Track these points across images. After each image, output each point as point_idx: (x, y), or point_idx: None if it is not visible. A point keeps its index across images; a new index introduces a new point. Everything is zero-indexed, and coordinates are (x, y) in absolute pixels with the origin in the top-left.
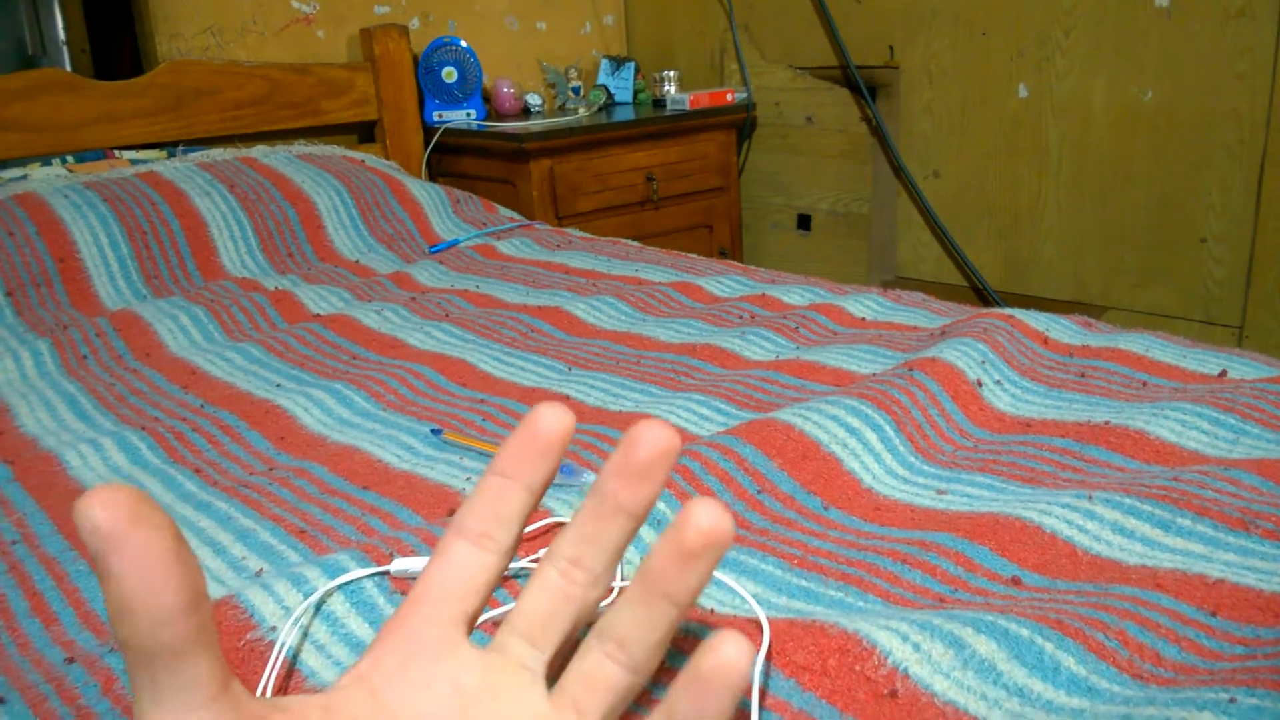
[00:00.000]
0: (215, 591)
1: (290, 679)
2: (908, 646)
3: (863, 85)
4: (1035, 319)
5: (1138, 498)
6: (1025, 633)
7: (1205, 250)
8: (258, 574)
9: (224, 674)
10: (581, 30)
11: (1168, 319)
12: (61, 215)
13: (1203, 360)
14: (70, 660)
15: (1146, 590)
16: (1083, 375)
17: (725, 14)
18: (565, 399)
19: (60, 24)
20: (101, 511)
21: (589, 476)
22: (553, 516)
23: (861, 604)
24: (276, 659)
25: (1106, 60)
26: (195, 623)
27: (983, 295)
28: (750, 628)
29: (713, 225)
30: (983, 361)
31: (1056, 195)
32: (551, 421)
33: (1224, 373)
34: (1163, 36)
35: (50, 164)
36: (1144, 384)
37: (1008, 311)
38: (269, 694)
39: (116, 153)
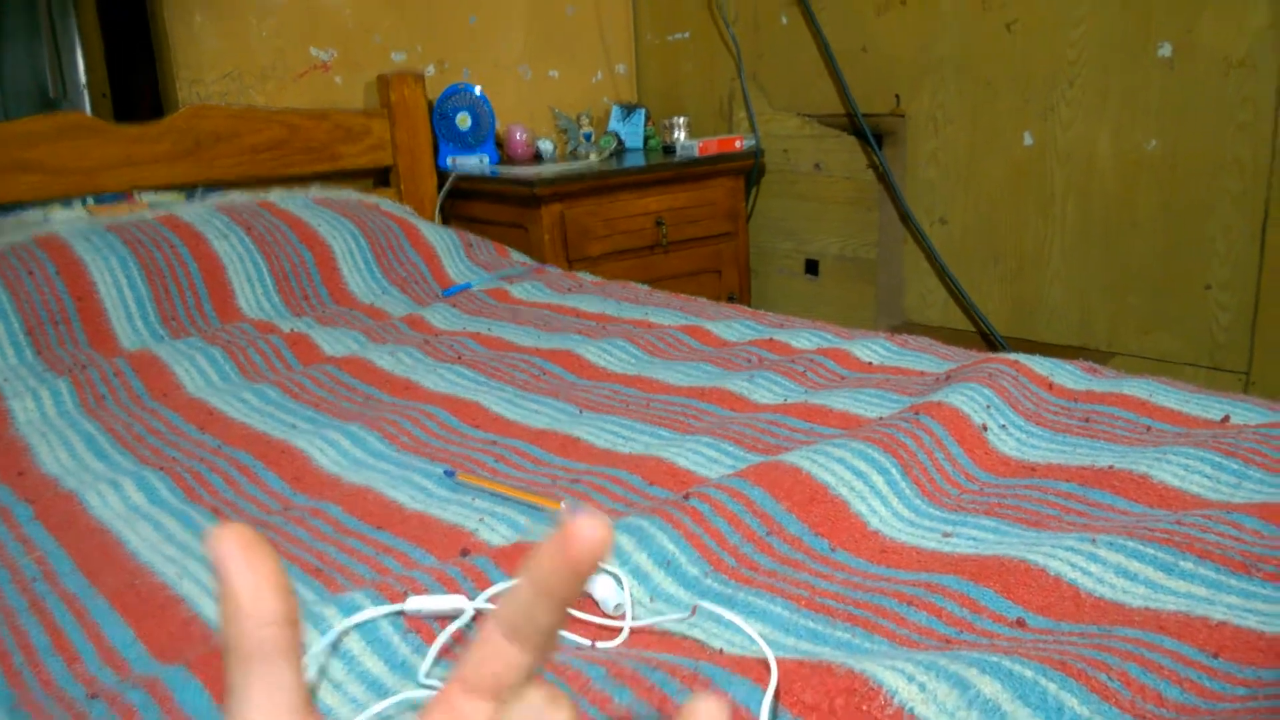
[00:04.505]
0: None
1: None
2: (913, 687)
3: (869, 133)
4: (1040, 364)
5: (1141, 541)
6: (1029, 674)
7: (1210, 297)
8: None
9: (306, 694)
10: (593, 78)
11: (1174, 365)
12: (81, 256)
13: (1206, 405)
14: (93, 696)
15: (1149, 632)
16: (1087, 420)
17: (734, 63)
18: (575, 441)
19: (82, 67)
20: (228, 535)
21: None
22: None
23: (868, 645)
24: None
25: (1111, 109)
26: (289, 634)
27: (990, 340)
28: (759, 667)
29: (721, 270)
30: (988, 406)
31: (1062, 242)
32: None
33: (1227, 418)
34: (1165, 86)
35: (71, 205)
36: (1148, 429)
37: (1013, 357)
38: None
39: (136, 195)
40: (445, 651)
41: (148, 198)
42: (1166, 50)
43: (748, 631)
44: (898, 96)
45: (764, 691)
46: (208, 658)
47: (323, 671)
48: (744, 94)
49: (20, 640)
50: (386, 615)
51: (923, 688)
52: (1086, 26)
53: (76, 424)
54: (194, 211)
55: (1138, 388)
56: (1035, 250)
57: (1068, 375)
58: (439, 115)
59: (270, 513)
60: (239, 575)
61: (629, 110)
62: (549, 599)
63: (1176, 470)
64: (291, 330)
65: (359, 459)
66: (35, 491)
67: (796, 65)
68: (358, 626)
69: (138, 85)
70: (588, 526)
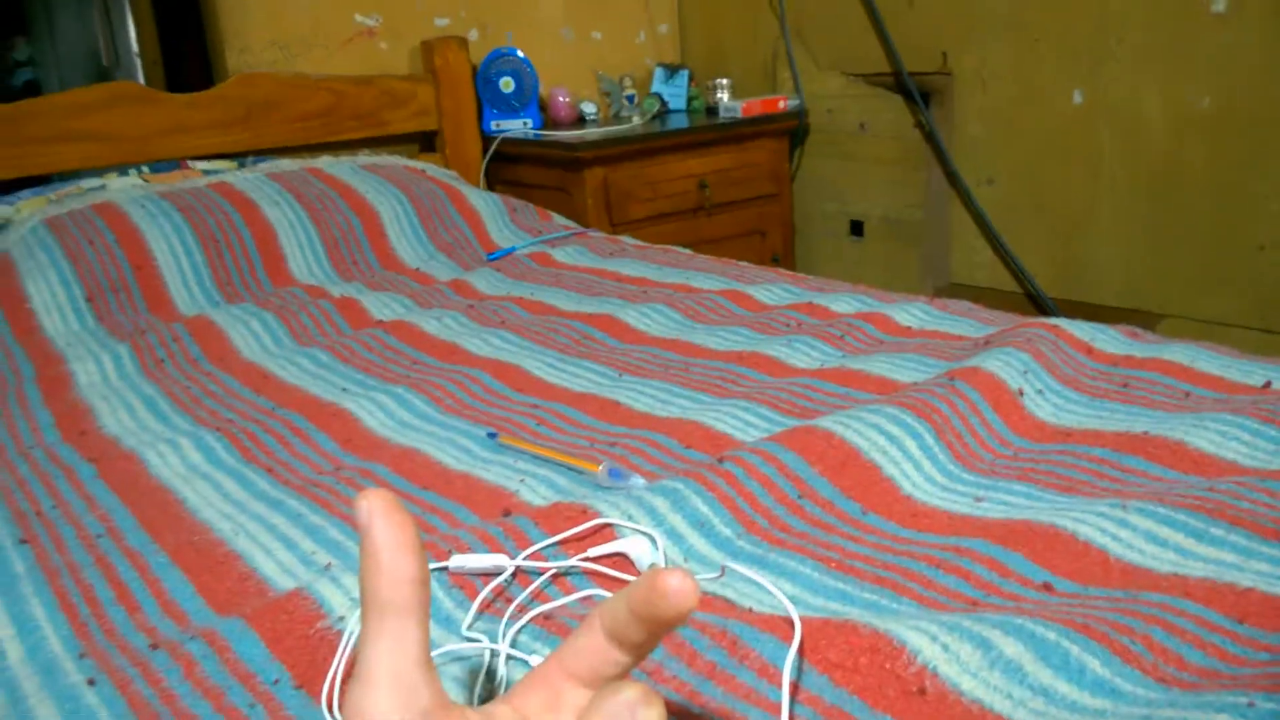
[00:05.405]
0: (286, 584)
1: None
2: (937, 646)
3: (916, 91)
4: (1080, 329)
5: (1172, 507)
6: (1052, 635)
7: (1263, 257)
8: (326, 567)
9: (428, 647)
10: (636, 39)
11: (1225, 327)
12: (139, 224)
13: (1249, 371)
14: (154, 646)
15: (1175, 597)
16: (1126, 385)
17: (778, 22)
18: (615, 404)
19: (133, 37)
20: (374, 499)
21: (637, 480)
22: (601, 518)
23: (895, 607)
24: (345, 646)
25: (1160, 66)
26: (420, 593)
27: (1037, 302)
28: (785, 626)
29: (765, 232)
30: (1025, 371)
31: (1112, 201)
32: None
33: (1268, 384)
34: (1218, 41)
35: (127, 174)
36: (1187, 395)
37: (1053, 321)
38: (339, 678)
39: (189, 163)
40: (486, 606)
41: (201, 166)
42: (1220, 5)
43: (773, 591)
44: (944, 54)
45: (789, 649)
46: (263, 611)
47: None
48: (788, 53)
49: (86, 593)
50: (432, 572)
51: (946, 648)
52: None
53: (137, 387)
54: (246, 179)
55: (1179, 353)
56: (1084, 210)
57: (1108, 340)
58: (483, 80)
59: (322, 473)
60: (380, 536)
61: (672, 71)
62: (641, 627)
63: (1213, 437)
64: (341, 295)
65: (406, 421)
66: (98, 451)
67: (841, 23)
68: None
69: (188, 53)
70: (678, 590)
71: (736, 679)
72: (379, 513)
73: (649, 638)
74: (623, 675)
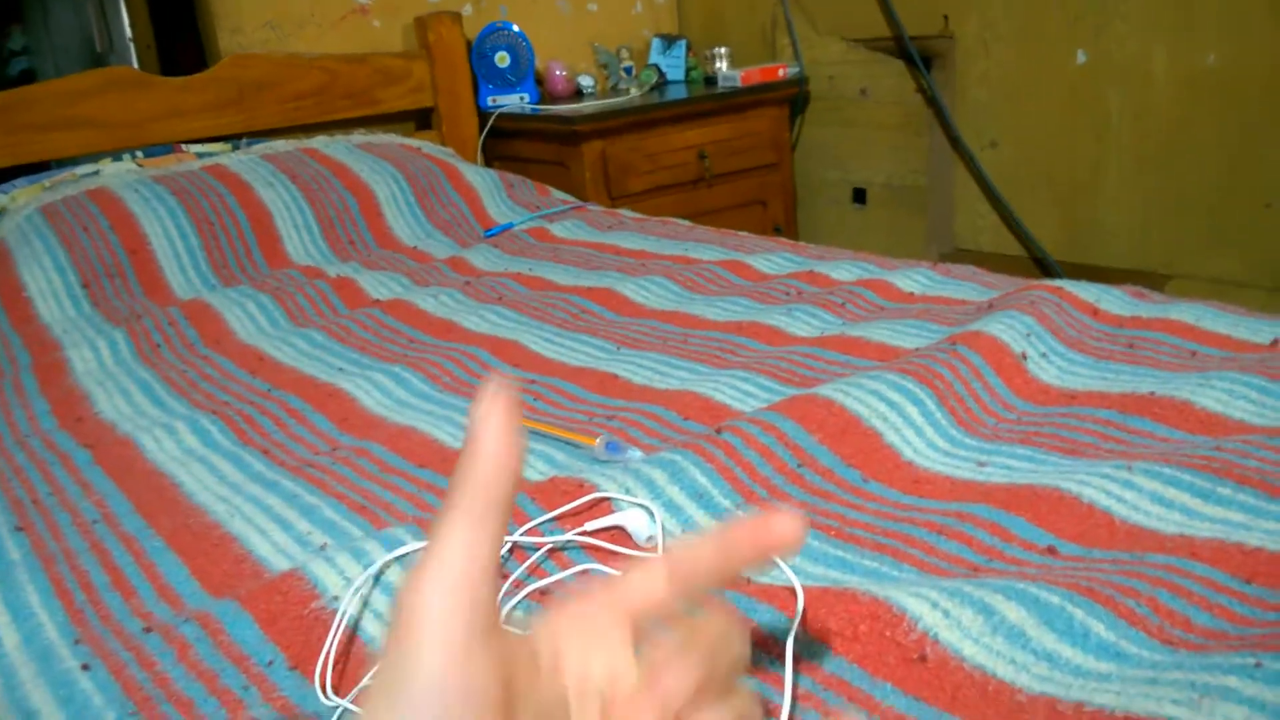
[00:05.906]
0: (282, 565)
1: (352, 644)
2: (937, 613)
3: (917, 56)
4: (1085, 290)
5: (1178, 467)
6: (1055, 600)
7: (1271, 215)
8: (322, 548)
9: (498, 561)
10: (633, 10)
11: (1234, 286)
12: (133, 209)
13: (1256, 329)
14: (148, 630)
15: (1182, 558)
16: (1131, 346)
17: None
18: (613, 378)
19: (126, 21)
20: (496, 401)
21: (634, 453)
22: (598, 492)
23: (896, 574)
24: (339, 626)
25: (1166, 23)
26: (509, 499)
27: (1043, 265)
28: (784, 595)
29: (766, 201)
30: (1028, 334)
31: (1118, 163)
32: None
33: (1276, 341)
34: None
35: (121, 159)
36: (1193, 354)
37: (1057, 283)
38: (332, 658)
39: (183, 146)
40: None
41: (194, 149)
42: None
43: (776, 561)
44: (946, 17)
45: (789, 619)
46: (257, 592)
47: (366, 603)
48: (787, 20)
49: (81, 579)
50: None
51: (947, 614)
52: None
53: (133, 372)
54: (240, 161)
55: (1185, 312)
56: (1090, 172)
57: (1114, 300)
58: (478, 55)
59: (318, 453)
60: (491, 431)
61: (670, 42)
62: (726, 566)
63: (1220, 395)
64: (338, 275)
65: (403, 400)
66: (94, 437)
67: None
68: (399, 560)
69: (181, 37)
70: (785, 525)
71: None
72: (498, 411)
73: (722, 577)
74: (663, 618)
